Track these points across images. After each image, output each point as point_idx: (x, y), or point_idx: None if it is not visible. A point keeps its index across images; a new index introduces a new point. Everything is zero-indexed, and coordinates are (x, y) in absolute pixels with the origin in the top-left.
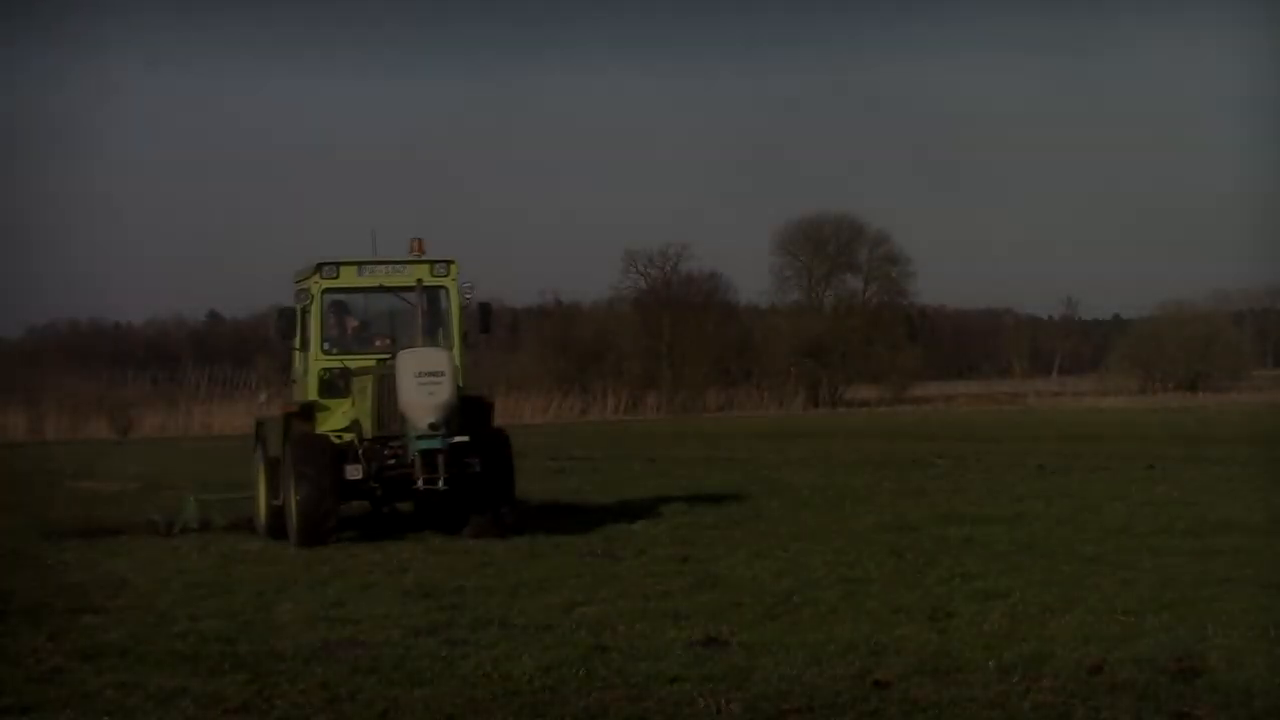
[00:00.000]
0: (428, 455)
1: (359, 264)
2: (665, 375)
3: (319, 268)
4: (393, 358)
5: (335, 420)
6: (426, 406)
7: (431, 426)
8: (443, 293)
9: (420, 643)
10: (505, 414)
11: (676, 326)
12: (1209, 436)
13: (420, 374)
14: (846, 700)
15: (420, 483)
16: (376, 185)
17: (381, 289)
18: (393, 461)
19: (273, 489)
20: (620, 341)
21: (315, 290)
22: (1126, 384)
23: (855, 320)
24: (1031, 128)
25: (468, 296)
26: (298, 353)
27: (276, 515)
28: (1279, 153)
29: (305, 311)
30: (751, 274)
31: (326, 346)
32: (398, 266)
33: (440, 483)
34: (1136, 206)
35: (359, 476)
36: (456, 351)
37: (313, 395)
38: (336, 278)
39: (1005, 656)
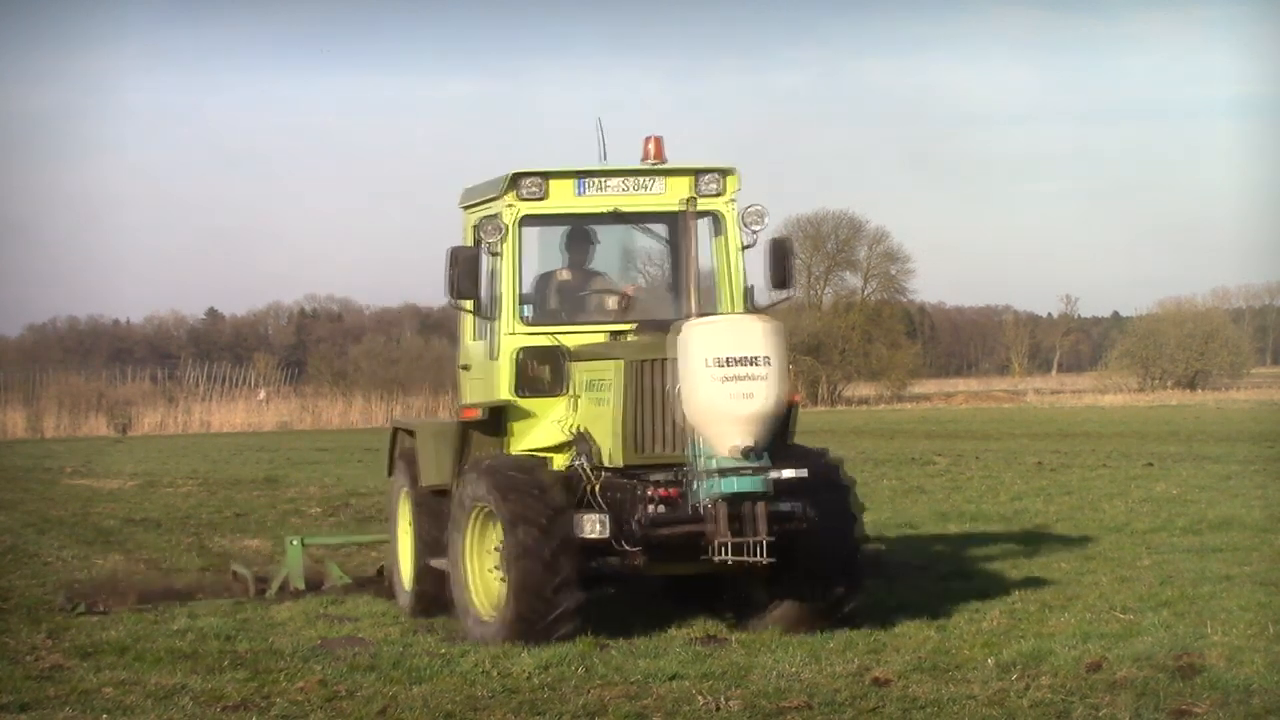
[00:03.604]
0: (737, 502)
1: (579, 175)
2: None
3: (515, 180)
4: (648, 332)
5: (539, 434)
6: (736, 419)
7: (745, 453)
8: (710, 222)
9: (419, 640)
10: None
11: None
12: (1208, 434)
13: (724, 361)
14: (845, 698)
15: (721, 549)
16: (376, 184)
17: (616, 217)
18: (661, 510)
19: (428, 542)
20: None
21: (509, 218)
22: (1126, 381)
23: (854, 318)
24: (1032, 126)
25: (756, 229)
26: (475, 322)
27: (433, 580)
28: (1279, 152)
29: (493, 254)
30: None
31: (527, 312)
32: (643, 180)
33: (760, 551)
34: (1136, 205)
35: (601, 534)
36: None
37: (504, 393)
38: (544, 197)
39: (1004, 654)
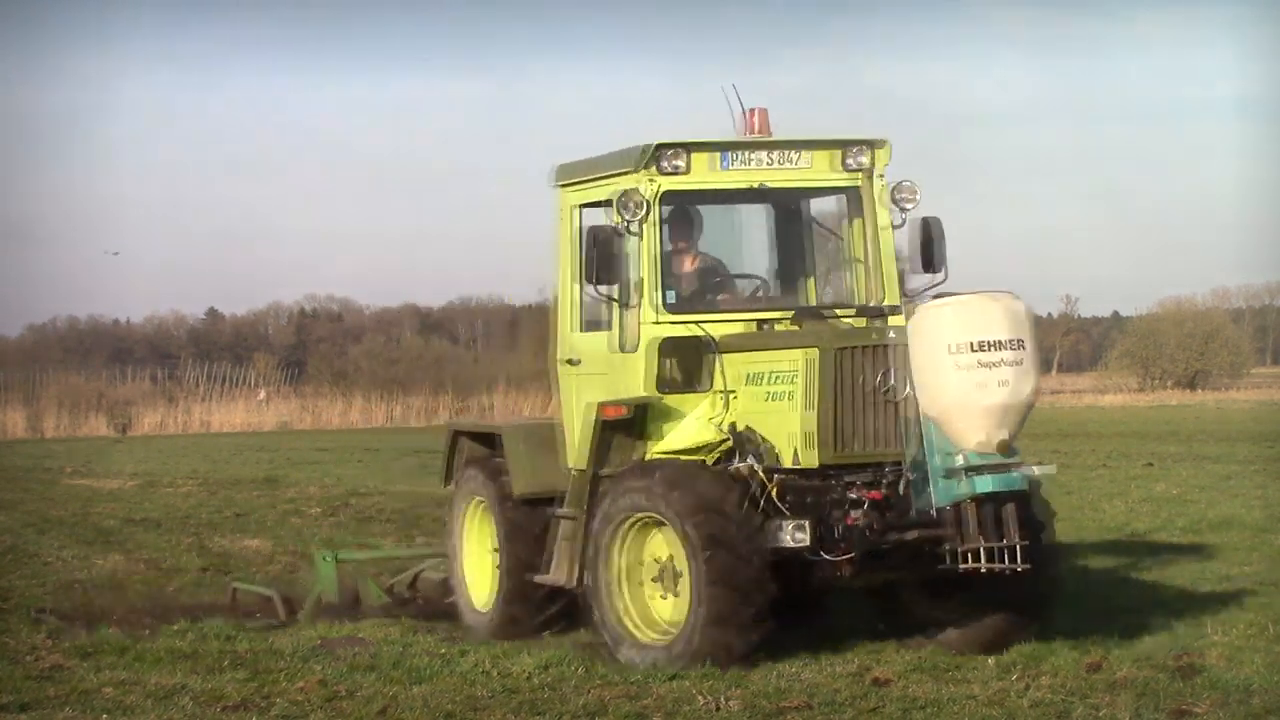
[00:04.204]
0: (989, 504)
1: (724, 147)
2: None
3: (656, 152)
4: (808, 319)
5: (681, 435)
6: (987, 410)
7: (1001, 448)
8: (851, 199)
9: (419, 640)
10: (505, 413)
11: None
12: (1208, 434)
13: (976, 345)
14: (845, 698)
15: (970, 555)
16: (375, 184)
17: (760, 194)
18: (863, 514)
19: (522, 556)
20: None
21: (649, 193)
22: (1125, 381)
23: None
24: (1032, 126)
25: (908, 208)
26: (584, 312)
27: (526, 599)
28: (1279, 152)
29: (630, 234)
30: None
31: (671, 299)
32: (788, 153)
33: (1013, 557)
34: (1136, 205)
35: (802, 542)
36: (891, 301)
37: (643, 389)
38: (686, 172)
39: (1004, 654)
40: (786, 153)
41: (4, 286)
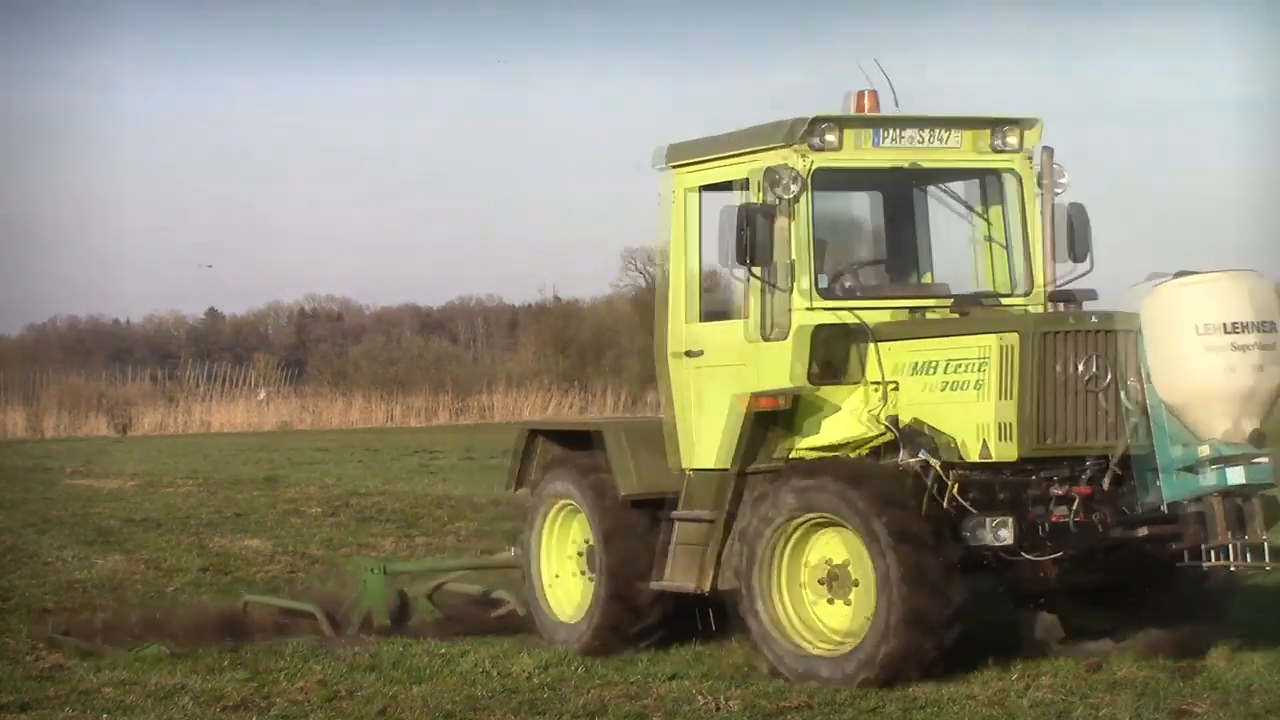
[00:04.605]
0: (1232, 498)
1: (878, 123)
2: None
3: (812, 126)
4: (967, 305)
5: (833, 428)
6: (1238, 396)
7: (1255, 439)
8: (994, 182)
9: (419, 640)
10: (504, 412)
11: None
12: None
13: (1228, 327)
14: (845, 698)
15: (1216, 553)
16: (376, 185)
17: (913, 174)
18: (1064, 509)
19: (631, 562)
20: (619, 339)
21: (803, 170)
22: None
23: None
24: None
25: (1056, 192)
26: (750, 291)
27: (624, 609)
28: (1279, 152)
29: (781, 214)
30: None
31: (824, 284)
32: (938, 131)
33: (1258, 555)
34: (1136, 205)
35: (1006, 540)
36: (1039, 289)
37: (794, 379)
38: (838, 148)
39: (1004, 654)
40: (936, 131)
41: (4, 286)
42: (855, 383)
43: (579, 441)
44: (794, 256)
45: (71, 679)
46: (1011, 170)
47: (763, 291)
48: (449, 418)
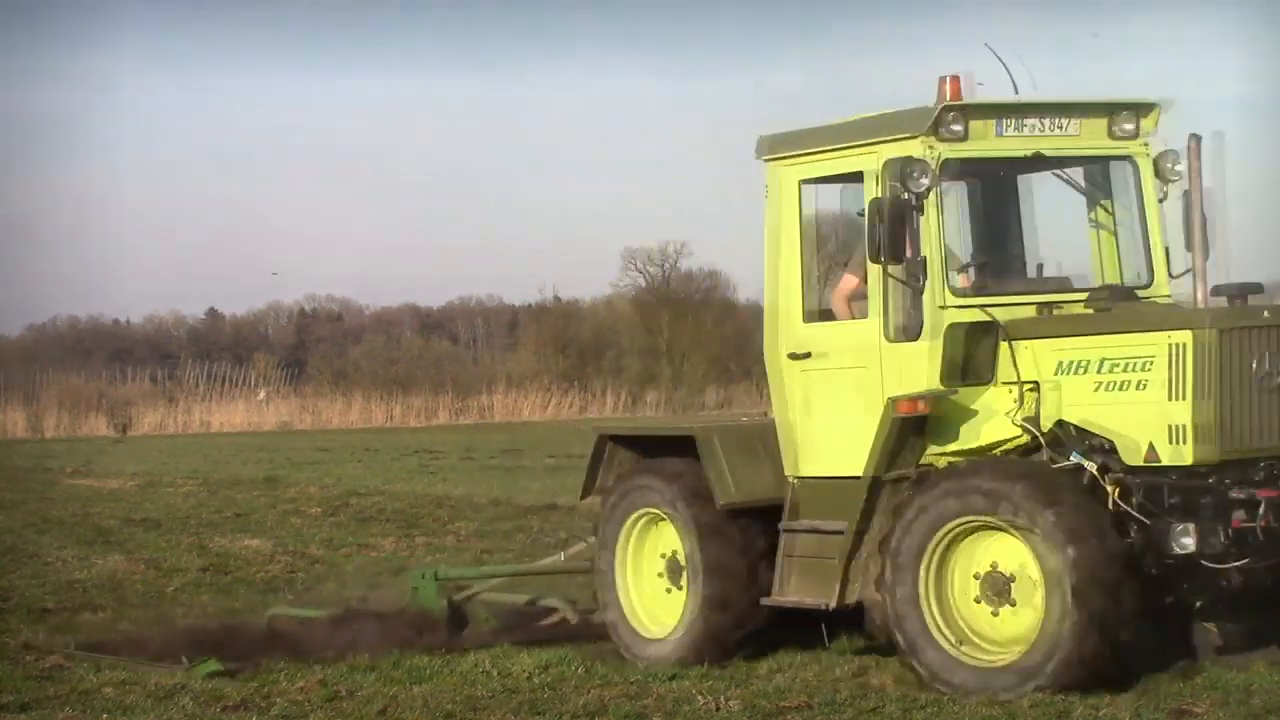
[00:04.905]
0: None
1: (1004, 111)
2: (665, 373)
3: (942, 116)
4: (1102, 300)
5: (972, 431)
6: None
7: None
8: (1112, 170)
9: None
10: (504, 411)
11: (676, 324)
12: None
13: None
14: (845, 698)
15: None
16: (376, 184)
17: (1036, 163)
18: (1267, 517)
19: (732, 573)
20: (619, 339)
21: (933, 160)
22: None
23: None
24: None
25: (1172, 180)
26: (887, 288)
27: (731, 620)
28: (1279, 153)
29: (913, 208)
30: (751, 271)
31: (958, 281)
32: (1060, 119)
33: None
34: None
35: (1187, 547)
36: (1160, 282)
37: (930, 380)
38: (964, 138)
39: None
40: (1056, 118)
41: (4, 286)
42: (990, 383)
43: (659, 447)
44: (927, 252)
45: (71, 679)
46: (1129, 157)
47: (893, 290)
48: (449, 418)
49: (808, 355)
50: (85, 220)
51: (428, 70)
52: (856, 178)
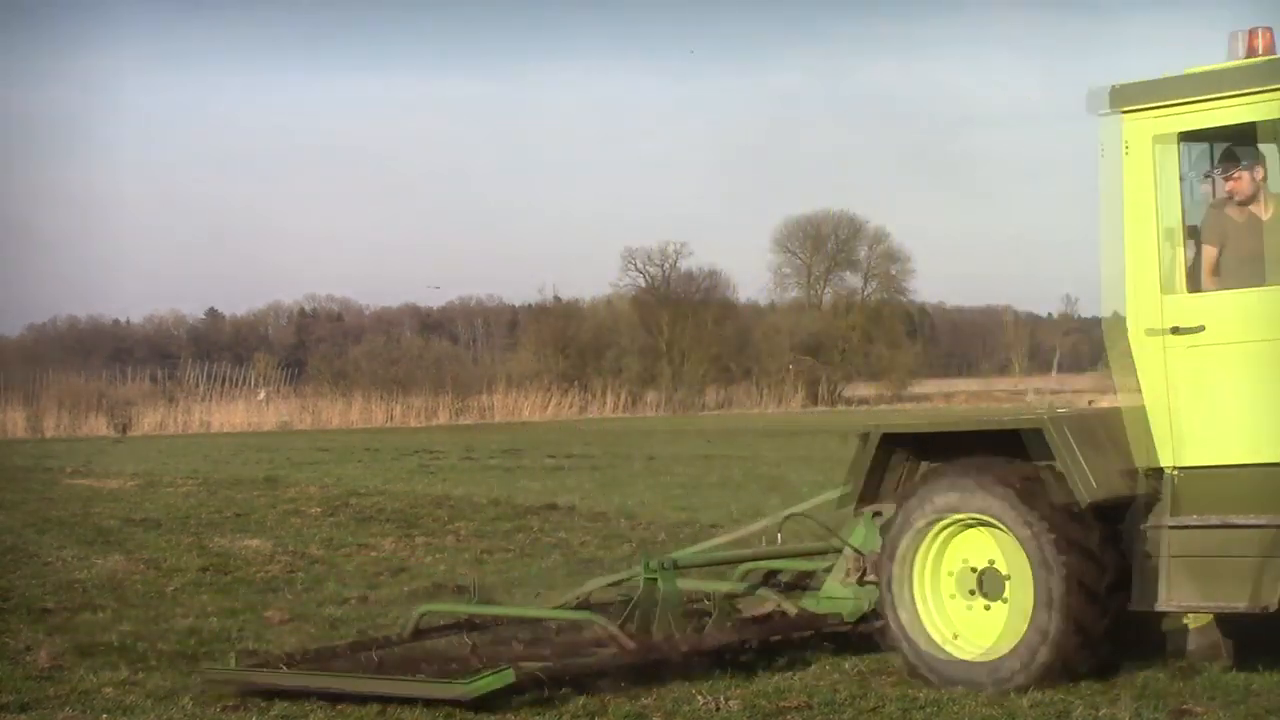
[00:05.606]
0: None
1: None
2: (664, 373)
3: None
4: None
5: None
6: None
7: None
8: None
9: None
10: (504, 411)
11: (676, 324)
12: None
13: None
14: (845, 698)
15: None
16: (376, 184)
17: (1237, 132)
18: None
19: (1092, 579)
20: (619, 339)
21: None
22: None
23: (854, 318)
24: (1032, 127)
25: None
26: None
27: (1100, 633)
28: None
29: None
30: (751, 272)
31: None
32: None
33: None
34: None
35: None
36: None
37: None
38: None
39: None
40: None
41: (4, 286)
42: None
43: (954, 446)
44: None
45: (71, 679)
46: None
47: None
48: (449, 418)
49: (1193, 329)
50: (85, 220)
51: (428, 70)
52: (1241, 131)
